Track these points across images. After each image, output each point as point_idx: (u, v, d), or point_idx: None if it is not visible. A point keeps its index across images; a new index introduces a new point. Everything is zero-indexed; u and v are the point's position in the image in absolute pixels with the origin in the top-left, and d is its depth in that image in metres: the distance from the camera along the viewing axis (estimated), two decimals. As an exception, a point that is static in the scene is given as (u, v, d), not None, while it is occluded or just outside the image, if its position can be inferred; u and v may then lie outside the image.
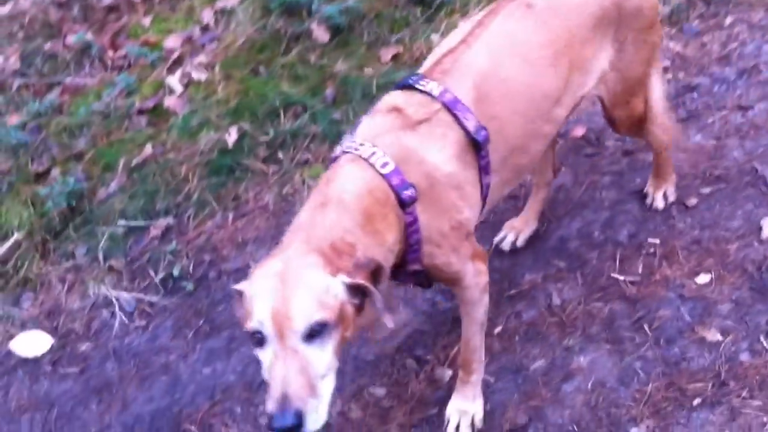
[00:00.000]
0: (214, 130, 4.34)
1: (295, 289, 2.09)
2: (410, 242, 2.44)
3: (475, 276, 2.65)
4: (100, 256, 4.01)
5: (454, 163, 2.49)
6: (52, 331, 3.78)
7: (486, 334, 3.04)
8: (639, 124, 3.11)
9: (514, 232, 3.48)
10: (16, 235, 4.12)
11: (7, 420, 3.45)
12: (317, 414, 2.06)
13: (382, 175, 2.36)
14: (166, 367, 3.48)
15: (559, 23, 2.68)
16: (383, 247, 2.34)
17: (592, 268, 3.32)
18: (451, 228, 2.52)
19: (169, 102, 4.62)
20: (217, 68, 4.68)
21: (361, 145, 2.42)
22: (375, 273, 2.22)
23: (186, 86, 4.70)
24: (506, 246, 3.47)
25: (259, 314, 2.08)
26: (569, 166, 3.74)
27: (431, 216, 2.46)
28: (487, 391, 2.98)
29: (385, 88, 4.34)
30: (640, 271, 3.22)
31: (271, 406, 2.03)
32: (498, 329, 3.19)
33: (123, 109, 4.62)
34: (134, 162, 4.36)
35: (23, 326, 3.83)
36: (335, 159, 2.49)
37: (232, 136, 4.27)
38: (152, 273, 3.86)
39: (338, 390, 3.02)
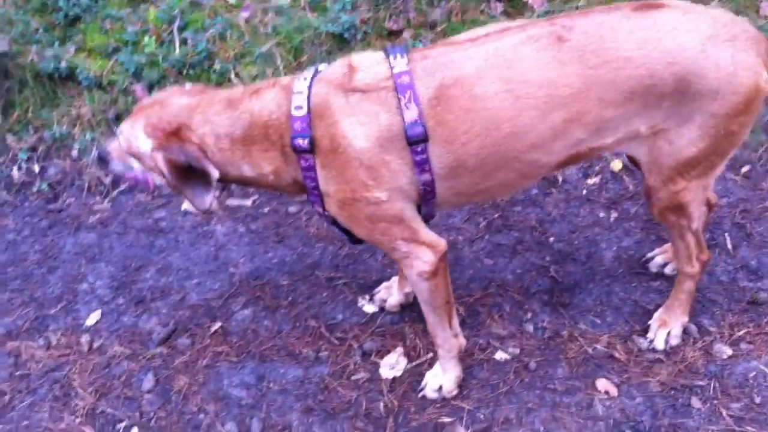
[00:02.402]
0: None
1: (133, 115, 2.71)
2: (306, 185, 2.58)
3: (410, 259, 2.67)
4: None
5: (371, 143, 2.42)
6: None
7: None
8: (675, 214, 2.70)
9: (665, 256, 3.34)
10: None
11: (304, 243, 3.76)
12: (114, 169, 2.85)
13: (291, 115, 2.48)
14: (453, 246, 3.60)
15: (579, 72, 2.36)
16: (254, 170, 2.63)
17: None
18: (353, 200, 2.53)
19: (531, -3, 4.60)
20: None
21: (304, 80, 2.52)
22: (190, 169, 2.57)
23: (555, -11, 4.65)
24: (653, 268, 3.37)
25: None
26: None
27: (331, 178, 2.52)
28: None
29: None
30: None
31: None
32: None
33: (486, -9, 4.65)
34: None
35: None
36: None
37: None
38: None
39: (605, 326, 3.05)
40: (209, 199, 2.60)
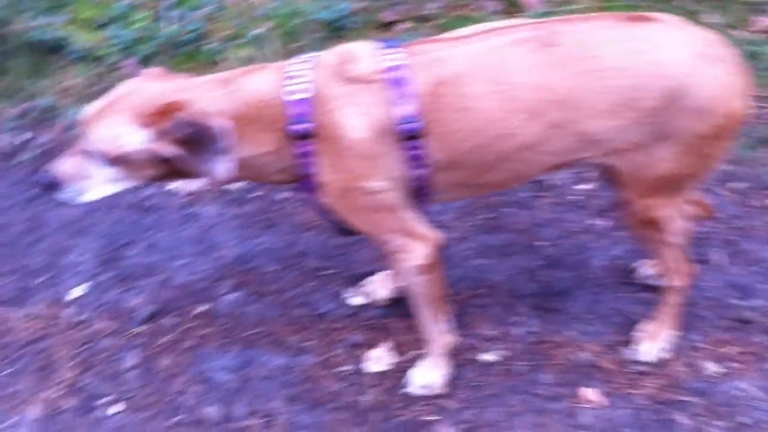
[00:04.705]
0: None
1: (103, 116, 2.42)
2: (302, 172, 2.52)
3: (402, 252, 2.67)
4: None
5: (367, 134, 2.41)
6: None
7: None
8: (649, 228, 2.74)
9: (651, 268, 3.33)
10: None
11: (292, 230, 3.74)
12: (72, 195, 2.55)
13: (285, 99, 2.42)
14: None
15: (565, 80, 2.37)
16: (248, 150, 2.47)
17: None
18: (349, 189, 2.50)
19: (527, -4, 4.61)
20: (588, -22, 4.59)
21: (300, 63, 2.48)
22: (204, 133, 2.35)
23: (550, -14, 4.67)
24: (640, 279, 3.36)
25: (87, 109, 2.50)
26: None
27: (328, 166, 2.48)
28: None
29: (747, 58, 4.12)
30: None
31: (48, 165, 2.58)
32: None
33: (481, -12, 4.65)
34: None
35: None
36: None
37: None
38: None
39: (592, 335, 3.08)
40: (227, 162, 2.39)
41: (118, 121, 2.40)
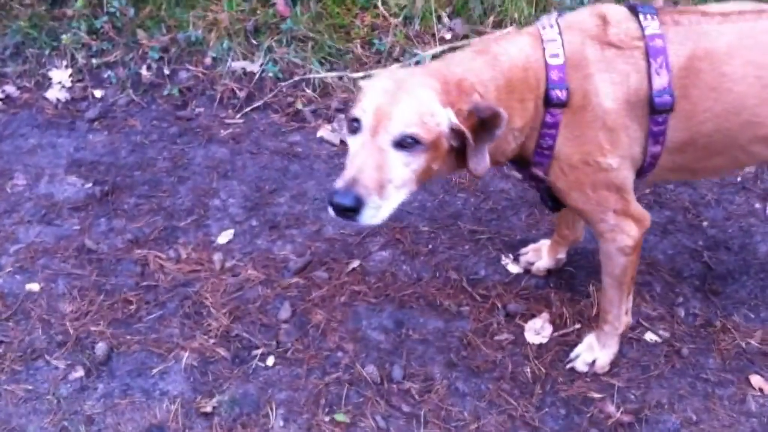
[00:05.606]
0: None
1: (405, 97, 2.14)
2: (541, 144, 2.36)
3: (615, 232, 2.53)
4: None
5: (618, 104, 2.29)
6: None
7: None
8: None
9: None
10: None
11: (445, 191, 3.65)
12: (375, 211, 2.14)
13: (546, 63, 2.27)
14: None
15: None
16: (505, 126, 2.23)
17: None
18: (584, 163, 2.37)
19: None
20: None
21: (551, 27, 2.32)
22: (488, 121, 2.17)
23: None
24: None
25: (365, 104, 2.17)
26: None
27: (570, 138, 2.34)
28: None
29: None
30: None
31: (338, 183, 2.13)
32: None
33: None
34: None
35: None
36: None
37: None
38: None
39: (758, 322, 2.95)
40: (487, 156, 2.24)
41: (425, 99, 2.16)
